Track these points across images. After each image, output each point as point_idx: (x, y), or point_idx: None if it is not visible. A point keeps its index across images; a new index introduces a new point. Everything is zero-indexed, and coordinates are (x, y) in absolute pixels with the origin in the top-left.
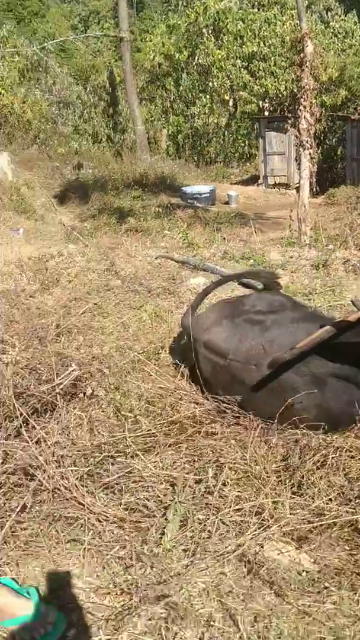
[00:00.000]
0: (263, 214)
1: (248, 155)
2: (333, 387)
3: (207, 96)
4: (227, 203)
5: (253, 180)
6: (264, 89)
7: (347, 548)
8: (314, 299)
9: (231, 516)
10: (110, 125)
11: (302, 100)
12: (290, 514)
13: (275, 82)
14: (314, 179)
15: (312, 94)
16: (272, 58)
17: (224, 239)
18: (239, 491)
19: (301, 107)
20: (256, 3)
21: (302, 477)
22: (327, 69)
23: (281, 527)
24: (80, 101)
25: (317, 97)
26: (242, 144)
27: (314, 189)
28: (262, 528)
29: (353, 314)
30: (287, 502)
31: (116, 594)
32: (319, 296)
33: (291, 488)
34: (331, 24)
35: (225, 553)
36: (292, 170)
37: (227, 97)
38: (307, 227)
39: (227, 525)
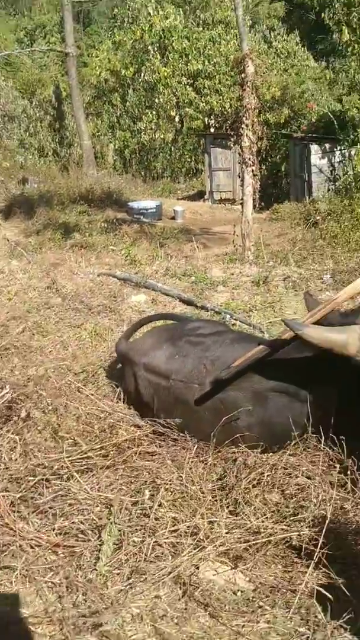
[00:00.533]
0: (209, 229)
1: (194, 171)
2: (275, 403)
3: (154, 112)
4: (173, 218)
5: (199, 195)
6: (209, 106)
7: (282, 565)
8: (254, 315)
9: (167, 538)
10: (57, 140)
11: (244, 118)
12: (226, 533)
13: (220, 99)
14: (257, 196)
15: (254, 113)
16: (217, 76)
17: (168, 255)
18: (175, 512)
19: (243, 126)
20: (201, 22)
21: (238, 496)
22: (271, 88)
23: (217, 547)
24: (25, 115)
25: (260, 115)
26: (189, 160)
27: (257, 205)
28: (197, 549)
29: (287, 332)
30: (223, 522)
31: (49, 623)
32: (259, 313)
33: (227, 507)
34: (274, 44)
35: (161, 576)
36: (237, 186)
37: (173, 113)
38: (251, 242)
39: (163, 547)
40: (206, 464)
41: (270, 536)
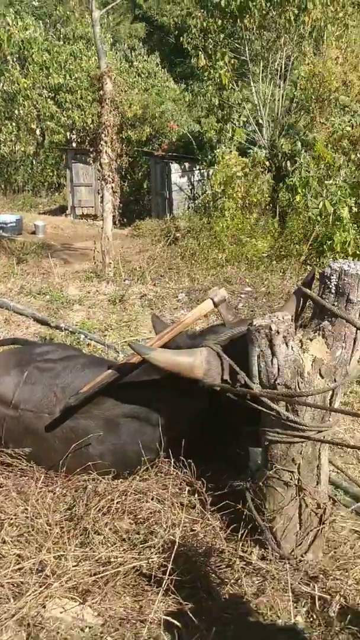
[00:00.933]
0: (70, 245)
1: (57, 185)
2: (127, 428)
3: (14, 124)
4: (34, 233)
5: (61, 210)
6: (71, 121)
7: (132, 595)
8: (110, 334)
9: (11, 577)
10: None
11: (103, 135)
12: (74, 566)
13: (82, 114)
14: (117, 212)
15: (113, 130)
16: (79, 91)
17: (25, 272)
18: (19, 549)
19: (102, 142)
20: (62, 36)
21: (88, 526)
22: (132, 106)
23: (64, 583)
24: None
25: (121, 132)
26: (51, 174)
27: (118, 222)
28: (43, 586)
29: (135, 356)
30: (71, 555)
31: None
32: (115, 332)
33: (76, 538)
34: (135, 63)
35: (4, 619)
36: (99, 202)
37: (34, 126)
38: (110, 259)
39: (4, 588)
40: (55, 494)
41: (119, 566)
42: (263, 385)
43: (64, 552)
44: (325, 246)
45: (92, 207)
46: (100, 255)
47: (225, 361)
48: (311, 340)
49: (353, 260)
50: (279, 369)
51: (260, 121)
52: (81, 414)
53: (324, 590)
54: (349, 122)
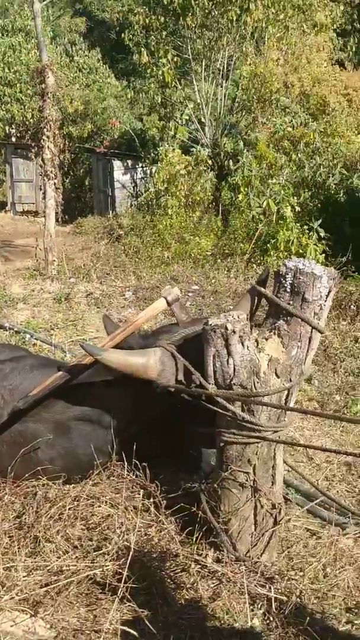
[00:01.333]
0: (11, 242)
1: None
2: (79, 432)
3: None
4: None
5: (1, 206)
6: (10, 115)
7: (86, 604)
8: (56, 334)
9: None
10: None
11: (45, 130)
12: (25, 577)
13: (21, 109)
14: (60, 209)
15: (55, 125)
16: (18, 85)
17: None
18: None
19: (44, 137)
20: (0, 28)
21: (39, 534)
22: (73, 102)
23: (14, 596)
24: None
25: (63, 128)
26: None
27: (60, 219)
28: None
29: (87, 357)
30: (21, 566)
31: None
32: (61, 331)
33: (26, 548)
34: (75, 58)
35: None
36: (40, 198)
37: None
38: (54, 256)
39: None
40: (3, 501)
41: (72, 575)
42: (219, 386)
43: (13, 562)
44: (269, 245)
45: (33, 203)
46: (42, 253)
47: (180, 361)
48: (267, 339)
49: (299, 259)
50: (234, 369)
51: (203, 120)
52: (30, 418)
53: (280, 591)
54: (289, 122)
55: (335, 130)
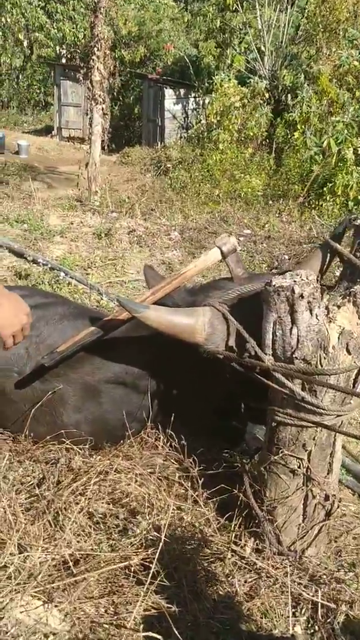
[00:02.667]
0: (55, 168)
1: (43, 104)
2: (110, 396)
3: (0, 32)
4: (17, 153)
5: (47, 130)
6: (61, 34)
7: (107, 592)
8: (93, 273)
9: None
10: None
11: (95, 49)
12: (42, 564)
13: (73, 27)
14: (107, 137)
15: (106, 45)
16: (71, 2)
17: (4, 194)
18: None
19: (94, 57)
20: None
21: (60, 510)
22: (127, 23)
23: (32, 582)
24: None
25: (115, 50)
26: (38, 91)
27: (107, 147)
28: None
29: (123, 312)
30: (40, 547)
31: None
32: (99, 270)
33: (45, 531)
34: None
35: None
36: (87, 124)
37: (21, 37)
38: (97, 186)
39: None
40: (22, 465)
41: (94, 561)
42: (277, 358)
43: (29, 547)
44: (325, 189)
45: (80, 129)
46: (86, 182)
47: (232, 325)
48: (339, 307)
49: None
50: (298, 339)
51: (263, 49)
52: (56, 377)
53: (328, 596)
54: (356, 56)
55: None
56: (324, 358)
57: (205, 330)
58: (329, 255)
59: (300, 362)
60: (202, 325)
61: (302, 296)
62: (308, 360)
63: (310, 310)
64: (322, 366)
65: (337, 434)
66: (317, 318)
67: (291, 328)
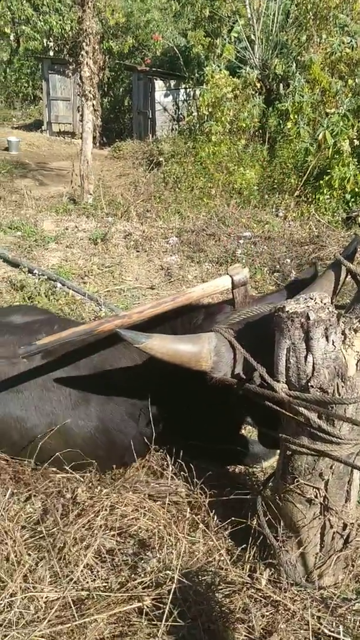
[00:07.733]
0: (46, 165)
1: (32, 98)
2: (105, 410)
3: None
4: (7, 149)
5: (36, 125)
6: (48, 26)
7: (119, 633)
8: (90, 282)
9: None
10: None
11: (84, 44)
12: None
13: (60, 20)
14: (98, 133)
15: (95, 39)
16: None
17: None
18: None
19: (83, 52)
20: None
21: (64, 549)
22: (114, 13)
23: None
24: None
25: (103, 42)
26: (26, 85)
27: (98, 142)
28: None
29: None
30: (46, 591)
31: None
32: (96, 279)
33: (51, 566)
34: None
35: None
36: (77, 119)
37: (7, 30)
38: (90, 184)
39: None
40: (22, 495)
41: (108, 605)
42: (291, 386)
43: (34, 587)
44: (321, 182)
45: (70, 124)
46: (78, 179)
47: (239, 352)
48: (356, 332)
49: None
50: (314, 367)
51: (253, 37)
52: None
53: (351, 632)
54: (348, 43)
55: None
56: (342, 387)
57: (212, 358)
58: (341, 274)
59: (317, 390)
60: (208, 353)
61: (317, 323)
62: (325, 389)
63: (327, 337)
64: (339, 395)
65: (355, 461)
66: (333, 344)
67: (306, 355)
